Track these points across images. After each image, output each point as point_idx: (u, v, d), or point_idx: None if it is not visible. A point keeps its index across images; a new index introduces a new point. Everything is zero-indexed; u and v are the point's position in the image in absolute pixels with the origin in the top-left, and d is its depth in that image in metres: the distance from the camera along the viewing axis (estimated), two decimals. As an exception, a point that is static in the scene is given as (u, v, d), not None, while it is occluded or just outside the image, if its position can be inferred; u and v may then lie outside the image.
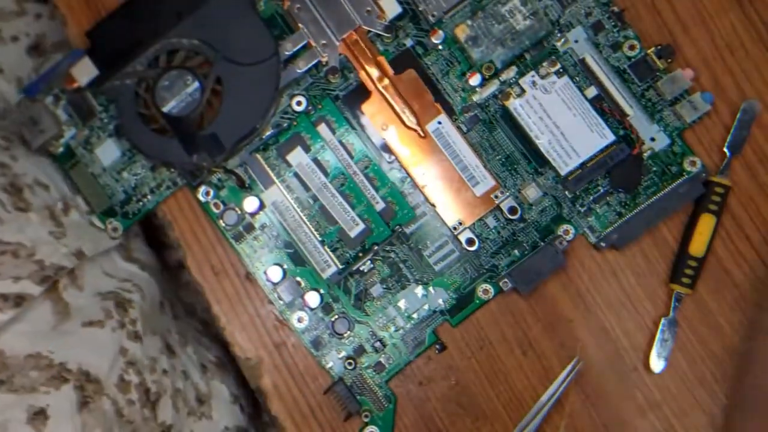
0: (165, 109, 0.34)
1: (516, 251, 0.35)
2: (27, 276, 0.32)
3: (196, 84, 0.34)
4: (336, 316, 0.35)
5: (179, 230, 0.37)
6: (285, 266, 0.36)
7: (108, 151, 0.36)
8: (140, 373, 0.33)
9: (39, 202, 0.34)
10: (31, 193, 0.34)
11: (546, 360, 0.35)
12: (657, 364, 0.34)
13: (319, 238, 0.35)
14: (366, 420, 0.35)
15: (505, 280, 0.34)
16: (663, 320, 0.34)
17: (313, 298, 0.35)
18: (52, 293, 0.33)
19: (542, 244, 0.34)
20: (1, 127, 0.37)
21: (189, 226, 0.37)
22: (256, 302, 0.36)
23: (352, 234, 0.35)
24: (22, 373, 0.30)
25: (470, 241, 0.35)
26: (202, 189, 0.36)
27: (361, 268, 0.35)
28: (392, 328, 0.35)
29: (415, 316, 0.35)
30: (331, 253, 0.35)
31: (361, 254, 0.35)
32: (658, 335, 0.34)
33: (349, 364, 0.35)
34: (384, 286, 0.36)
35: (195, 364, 0.38)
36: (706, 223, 0.33)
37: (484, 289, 0.35)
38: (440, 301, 0.35)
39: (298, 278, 0.36)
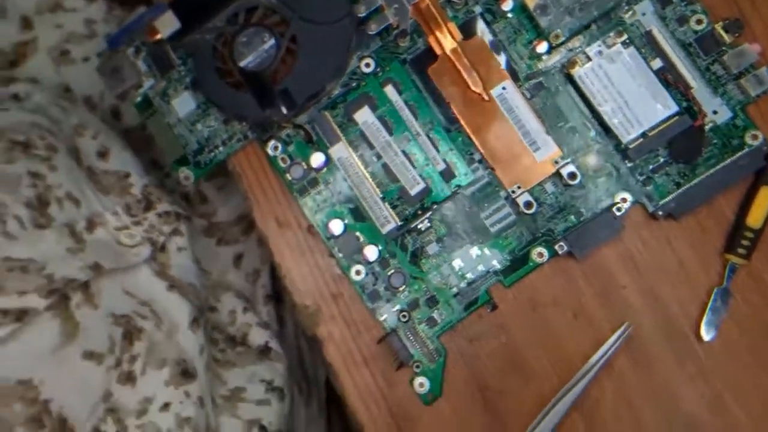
0: (241, 64, 0.36)
1: (573, 217, 0.36)
2: (33, 290, 0.31)
3: (273, 41, 0.36)
4: (392, 271, 0.37)
5: (247, 182, 0.39)
6: (346, 220, 0.37)
7: (184, 103, 0.38)
8: (120, 421, 0.33)
9: (62, 218, 0.34)
10: (59, 208, 0.34)
11: (597, 324, 0.36)
12: (708, 332, 0.34)
13: (380, 195, 0.37)
14: (416, 370, 0.36)
15: (561, 243, 0.35)
16: (716, 289, 0.34)
17: (371, 252, 0.37)
18: (63, 311, 0.32)
19: (600, 210, 0.35)
20: (48, 136, 0.37)
21: (257, 179, 0.39)
22: (316, 254, 0.38)
23: (413, 192, 0.37)
24: (6, 402, 0.29)
25: (528, 204, 0.36)
26: (271, 143, 0.38)
27: (419, 226, 0.37)
28: (446, 286, 0.37)
29: (469, 275, 0.37)
30: (391, 210, 0.37)
31: (419, 212, 0.37)
32: (710, 304, 0.34)
33: (404, 316, 0.36)
34: (440, 245, 0.37)
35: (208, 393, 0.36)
36: (765, 196, 0.33)
37: (539, 253, 0.36)
38: (494, 262, 0.37)
39: (358, 233, 0.37)
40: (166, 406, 0.34)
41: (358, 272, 0.37)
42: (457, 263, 0.37)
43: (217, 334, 0.41)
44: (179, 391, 0.34)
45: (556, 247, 0.35)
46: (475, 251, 0.37)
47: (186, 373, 0.35)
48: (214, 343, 0.40)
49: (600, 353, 0.35)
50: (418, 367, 0.36)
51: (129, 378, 0.33)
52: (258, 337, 0.41)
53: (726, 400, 0.34)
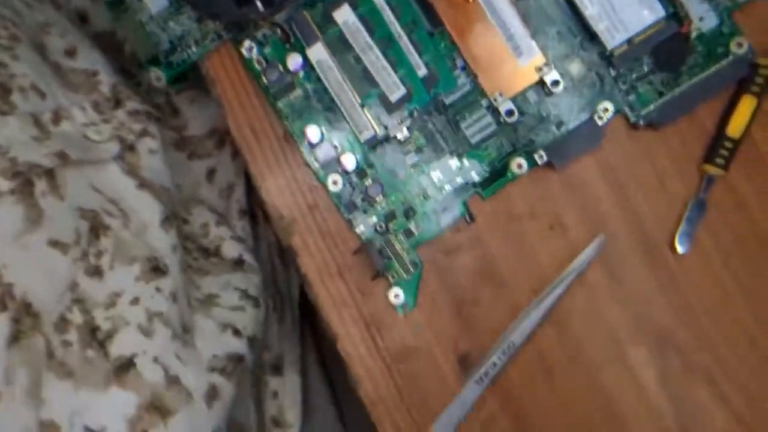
0: (215, -42, 0.34)
1: (554, 127, 0.35)
2: None
3: (249, -65, 0.34)
4: (370, 181, 0.36)
5: (221, 88, 0.37)
6: (323, 127, 0.36)
7: (156, 0, 0.36)
8: (87, 312, 0.32)
9: (26, 107, 0.32)
10: (22, 97, 0.32)
11: (572, 236, 0.35)
12: (682, 245, 0.34)
13: (359, 101, 0.36)
14: (392, 282, 0.36)
15: (541, 152, 0.35)
16: (692, 201, 0.34)
17: (349, 161, 0.36)
18: (27, 197, 0.31)
19: (581, 120, 0.35)
20: (11, 26, 0.35)
21: (231, 84, 0.37)
22: (292, 163, 0.37)
23: (393, 98, 0.36)
24: None
25: (510, 113, 0.35)
26: (246, 44, 0.36)
27: (397, 136, 0.36)
28: (424, 197, 0.36)
29: (447, 187, 0.36)
30: (369, 116, 0.36)
31: (399, 120, 0.36)
32: (685, 215, 0.34)
33: (380, 227, 0.36)
34: (419, 156, 0.36)
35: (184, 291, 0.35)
36: (746, 105, 0.33)
37: (518, 164, 0.35)
38: (473, 173, 0.36)
39: (335, 140, 0.36)
40: (135, 300, 0.33)
41: (335, 182, 0.36)
42: (436, 175, 0.36)
43: (190, 244, 0.40)
44: (150, 286, 0.33)
45: (536, 156, 0.35)
46: (454, 162, 0.36)
47: (157, 269, 0.34)
48: (186, 251, 0.39)
49: (574, 264, 0.35)
50: (393, 278, 0.36)
51: (96, 272, 0.32)
52: (231, 249, 0.41)
53: (697, 312, 0.35)
